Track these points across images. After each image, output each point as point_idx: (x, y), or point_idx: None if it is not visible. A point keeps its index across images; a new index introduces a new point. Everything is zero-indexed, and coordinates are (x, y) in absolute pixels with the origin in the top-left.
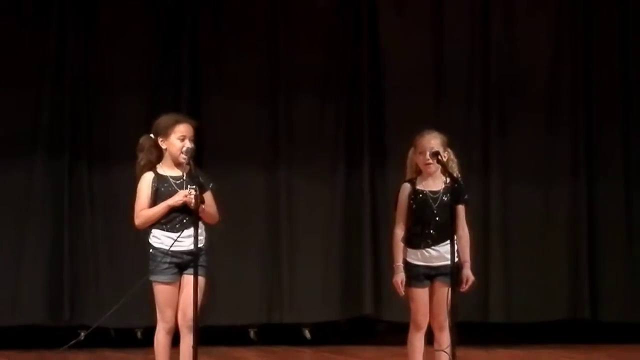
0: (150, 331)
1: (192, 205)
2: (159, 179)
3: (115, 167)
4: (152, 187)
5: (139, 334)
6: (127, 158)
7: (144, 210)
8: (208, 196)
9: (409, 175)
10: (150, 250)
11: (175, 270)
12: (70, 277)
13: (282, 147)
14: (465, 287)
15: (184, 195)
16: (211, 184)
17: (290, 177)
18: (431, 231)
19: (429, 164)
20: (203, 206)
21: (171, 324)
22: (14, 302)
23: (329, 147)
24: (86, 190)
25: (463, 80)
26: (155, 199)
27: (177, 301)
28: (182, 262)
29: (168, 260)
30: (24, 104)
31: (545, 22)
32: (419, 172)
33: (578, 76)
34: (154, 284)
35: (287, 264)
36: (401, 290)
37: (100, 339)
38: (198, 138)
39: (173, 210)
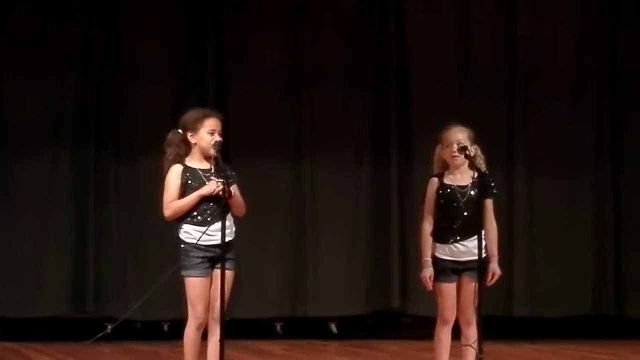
0: (176, 324)
1: (221, 194)
2: (188, 172)
3: (141, 158)
4: (181, 179)
5: (165, 327)
6: (153, 150)
7: (174, 201)
8: (235, 188)
9: (436, 171)
10: (182, 246)
11: (208, 264)
12: (95, 269)
13: (306, 140)
14: (491, 282)
15: (215, 185)
16: (235, 178)
17: (315, 170)
18: (459, 226)
19: (456, 156)
20: (234, 192)
21: (202, 319)
22: (38, 294)
23: (354, 140)
24: (112, 181)
25: (488, 73)
26: (184, 191)
27: (209, 296)
28: (215, 256)
29: (201, 254)
30: (49, 94)
31: (571, 14)
32: (446, 167)
33: (603, 68)
34: (186, 278)
35: (313, 257)
36: (429, 285)
37: (126, 331)
38: (224, 131)
39: (202, 203)
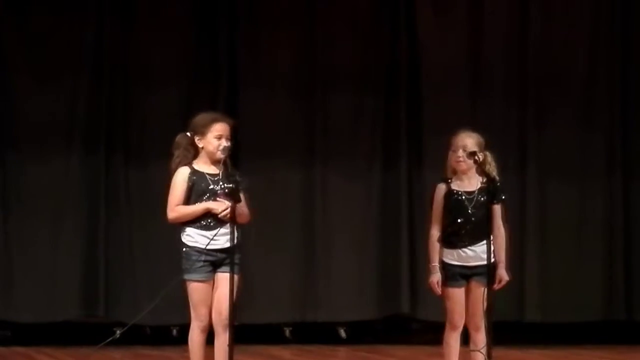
0: (186, 329)
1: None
2: (195, 175)
3: (151, 162)
4: (187, 182)
5: (174, 332)
6: (163, 153)
7: (180, 206)
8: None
9: (447, 176)
10: (184, 249)
11: (210, 268)
12: (106, 273)
13: (318, 143)
14: (498, 287)
15: (223, 210)
16: (245, 184)
17: (326, 174)
18: (467, 231)
19: (460, 161)
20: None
21: (205, 322)
22: (50, 299)
23: (365, 144)
24: (122, 185)
25: (500, 77)
26: (190, 194)
27: (211, 299)
28: (217, 260)
29: (203, 258)
30: (61, 96)
31: (583, 17)
32: (455, 172)
33: (615, 72)
34: (188, 282)
35: (323, 262)
36: (438, 290)
37: (136, 336)
38: (234, 135)
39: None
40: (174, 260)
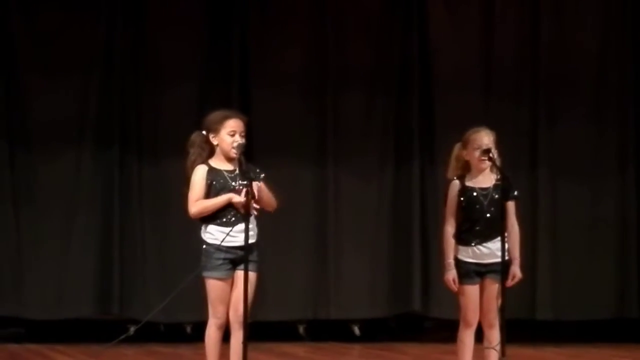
0: (199, 326)
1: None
2: (213, 173)
3: (165, 160)
4: (206, 180)
5: (188, 329)
6: (177, 151)
7: (200, 200)
8: (261, 186)
9: (453, 171)
10: (204, 246)
11: (229, 266)
12: (119, 270)
13: (330, 143)
14: (510, 283)
15: (244, 199)
16: (262, 174)
17: (338, 172)
18: (481, 228)
19: (484, 160)
20: (255, 203)
21: (223, 319)
22: (62, 295)
23: (377, 143)
24: (135, 182)
25: (512, 75)
26: (209, 192)
27: (229, 297)
28: (236, 258)
29: (222, 256)
30: (73, 94)
31: (594, 15)
32: (465, 168)
33: (627, 70)
34: (207, 279)
35: (336, 260)
36: (454, 287)
37: (150, 333)
38: (248, 132)
39: (228, 205)
40: (188, 258)
